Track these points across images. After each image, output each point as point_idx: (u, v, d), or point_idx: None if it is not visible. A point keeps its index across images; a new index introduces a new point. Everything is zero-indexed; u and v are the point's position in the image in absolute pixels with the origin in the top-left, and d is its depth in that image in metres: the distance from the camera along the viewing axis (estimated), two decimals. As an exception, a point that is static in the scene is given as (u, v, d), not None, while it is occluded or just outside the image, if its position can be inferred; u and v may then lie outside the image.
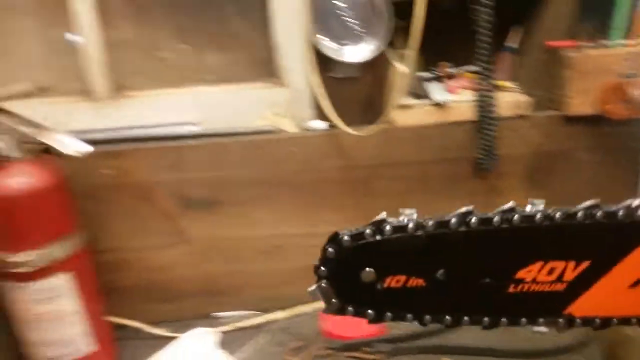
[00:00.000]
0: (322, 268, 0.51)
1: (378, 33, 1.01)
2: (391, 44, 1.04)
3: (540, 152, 1.07)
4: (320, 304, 0.76)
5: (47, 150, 0.88)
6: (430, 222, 0.50)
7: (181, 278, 1.09)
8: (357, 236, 0.50)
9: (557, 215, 0.49)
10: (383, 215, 0.51)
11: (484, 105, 1.03)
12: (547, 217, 0.49)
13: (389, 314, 0.52)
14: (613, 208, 0.49)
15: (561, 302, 0.52)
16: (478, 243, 0.50)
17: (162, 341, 1.00)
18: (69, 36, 1.04)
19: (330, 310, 0.53)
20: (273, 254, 1.09)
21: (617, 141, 1.08)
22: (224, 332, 1.04)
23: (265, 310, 1.09)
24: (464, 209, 0.51)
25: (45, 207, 0.86)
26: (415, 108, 1.04)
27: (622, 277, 0.50)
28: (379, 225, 0.50)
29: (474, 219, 0.49)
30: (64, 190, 0.90)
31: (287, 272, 1.09)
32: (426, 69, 1.12)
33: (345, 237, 0.49)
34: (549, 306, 0.52)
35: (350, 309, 0.51)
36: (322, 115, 1.04)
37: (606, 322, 0.52)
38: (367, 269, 0.50)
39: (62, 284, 0.89)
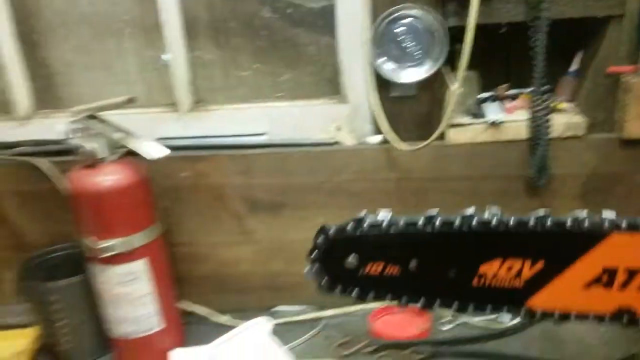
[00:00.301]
0: (314, 254, 0.59)
1: (434, 56, 1.06)
2: (450, 65, 1.09)
3: (595, 173, 1.08)
4: (368, 304, 0.84)
5: (134, 153, 1.02)
6: (401, 222, 0.57)
7: (247, 273, 1.20)
8: (341, 230, 0.58)
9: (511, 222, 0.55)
10: (362, 213, 0.59)
11: (538, 125, 1.05)
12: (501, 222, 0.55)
13: (371, 294, 0.59)
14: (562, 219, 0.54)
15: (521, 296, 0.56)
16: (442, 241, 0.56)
17: (225, 328, 1.10)
18: (163, 57, 1.20)
19: (322, 289, 0.61)
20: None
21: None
22: (280, 325, 1.13)
23: (320, 308, 1.18)
24: (428, 212, 0.58)
25: (129, 202, 0.99)
26: (470, 126, 1.09)
27: (576, 278, 0.54)
28: (359, 222, 0.58)
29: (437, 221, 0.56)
30: (146, 189, 1.03)
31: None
32: (486, 90, 1.15)
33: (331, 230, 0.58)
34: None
35: (338, 288, 0.59)
36: (379, 131, 1.11)
37: (565, 317, 0.56)
38: (351, 256, 0.58)
39: (139, 268, 1.02)
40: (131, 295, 1.02)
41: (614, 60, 1.04)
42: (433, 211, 0.58)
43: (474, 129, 1.09)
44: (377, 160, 1.11)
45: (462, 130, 1.09)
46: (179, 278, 1.15)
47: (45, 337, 1.12)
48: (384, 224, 0.58)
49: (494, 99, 1.14)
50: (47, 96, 1.26)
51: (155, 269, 1.04)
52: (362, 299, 0.62)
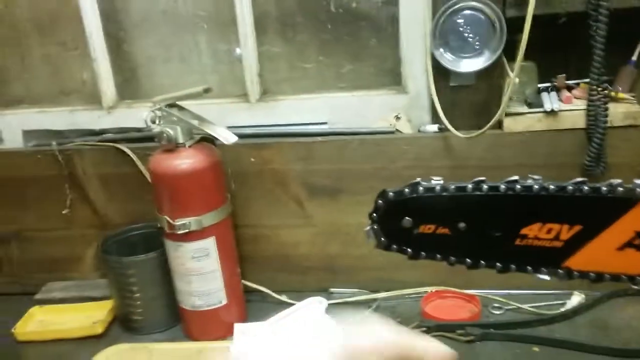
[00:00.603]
0: (374, 214, 0.65)
1: (493, 46, 1.09)
2: (509, 55, 1.11)
3: (652, 162, 1.07)
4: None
5: (208, 139, 1.11)
6: (452, 186, 0.62)
7: (306, 255, 1.26)
8: (399, 193, 0.63)
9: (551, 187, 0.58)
10: (418, 179, 0.64)
11: (596, 114, 1.06)
12: (543, 188, 0.58)
13: (423, 253, 0.64)
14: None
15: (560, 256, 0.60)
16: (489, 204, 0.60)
17: (283, 306, 1.17)
18: (237, 50, 1.29)
19: (380, 246, 0.67)
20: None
21: None
22: (334, 305, 1.19)
23: (375, 291, 1.23)
24: (476, 179, 0.62)
25: (203, 184, 1.07)
26: (526, 115, 1.11)
27: (610, 240, 0.57)
28: (414, 186, 0.63)
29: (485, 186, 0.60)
30: (218, 172, 1.10)
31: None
32: (544, 80, 1.17)
33: (390, 193, 0.63)
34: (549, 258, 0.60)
35: (394, 246, 0.65)
36: (437, 120, 1.15)
37: (600, 277, 0.59)
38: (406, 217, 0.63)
39: (208, 246, 1.10)
40: (201, 270, 1.10)
41: (676, 49, 1.03)
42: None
43: (530, 118, 1.11)
44: (433, 148, 1.15)
45: (519, 119, 1.11)
46: (242, 257, 1.23)
47: (120, 308, 1.22)
48: (437, 189, 0.63)
49: (552, 89, 1.15)
50: (130, 87, 1.38)
51: (223, 247, 1.11)
52: (414, 258, 0.68)
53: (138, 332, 1.20)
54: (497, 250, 0.62)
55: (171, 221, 1.07)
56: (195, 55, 1.33)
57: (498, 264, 0.63)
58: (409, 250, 0.66)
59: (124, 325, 1.22)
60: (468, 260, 0.63)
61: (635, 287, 0.60)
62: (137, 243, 1.25)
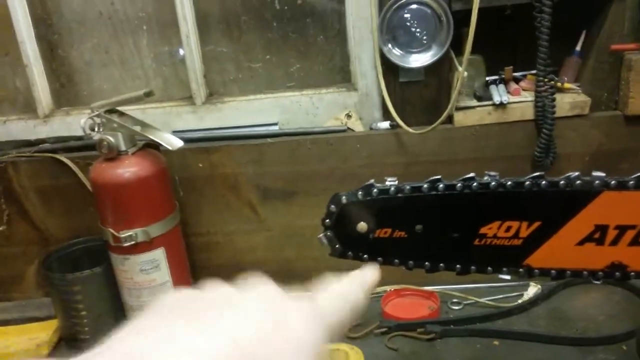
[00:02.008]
0: (327, 220, 0.62)
1: (440, 40, 1.09)
2: (457, 50, 1.11)
3: (600, 151, 1.09)
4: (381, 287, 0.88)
5: (152, 145, 1.06)
6: (407, 187, 0.60)
7: (261, 260, 1.22)
8: (352, 196, 0.61)
9: (508, 183, 0.57)
10: (371, 180, 0.62)
11: (543, 105, 1.07)
12: (500, 184, 0.57)
13: (380, 259, 0.62)
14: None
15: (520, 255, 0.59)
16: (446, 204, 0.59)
17: (242, 314, 1.14)
18: (180, 52, 1.24)
19: (334, 254, 0.65)
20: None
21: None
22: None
23: (334, 293, 1.20)
24: (432, 178, 0.61)
25: (149, 193, 1.02)
26: (476, 109, 1.11)
27: (570, 235, 0.56)
28: (368, 189, 0.61)
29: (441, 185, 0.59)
30: (164, 179, 1.06)
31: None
32: (492, 73, 1.17)
33: (343, 197, 0.61)
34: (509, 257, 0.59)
35: (350, 253, 0.62)
36: (388, 116, 1.14)
37: (561, 274, 0.58)
38: (361, 222, 0.61)
39: (158, 257, 1.05)
40: (152, 283, 1.06)
41: (617, 38, 1.05)
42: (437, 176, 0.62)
43: (480, 112, 1.11)
44: (386, 145, 1.13)
45: (469, 113, 1.11)
46: (195, 267, 1.19)
47: (66, 328, 1.15)
48: (391, 190, 0.61)
49: (500, 81, 1.16)
50: (67, 94, 1.31)
51: (173, 258, 1.07)
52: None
53: (86, 352, 1.14)
54: (456, 251, 0.61)
55: (116, 233, 1.02)
56: (137, 58, 1.27)
57: (457, 266, 0.62)
58: (365, 256, 0.63)
59: (71, 346, 1.15)
60: (427, 263, 0.61)
61: (597, 282, 0.60)
62: (81, 258, 1.18)
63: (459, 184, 0.60)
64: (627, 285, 1.11)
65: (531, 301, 1.10)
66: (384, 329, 1.06)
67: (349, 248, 0.62)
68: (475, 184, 0.59)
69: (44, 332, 1.17)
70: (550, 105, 1.06)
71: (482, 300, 1.13)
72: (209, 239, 1.22)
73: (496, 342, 1.02)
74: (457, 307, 1.13)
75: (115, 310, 1.12)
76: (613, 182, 0.55)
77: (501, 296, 1.13)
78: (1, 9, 1.20)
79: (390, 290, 1.17)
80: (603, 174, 0.57)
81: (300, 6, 1.21)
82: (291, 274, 1.23)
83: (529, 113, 1.09)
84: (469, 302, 1.14)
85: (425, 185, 0.61)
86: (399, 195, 0.60)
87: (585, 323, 1.05)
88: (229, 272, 1.23)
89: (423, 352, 1.02)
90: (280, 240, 1.21)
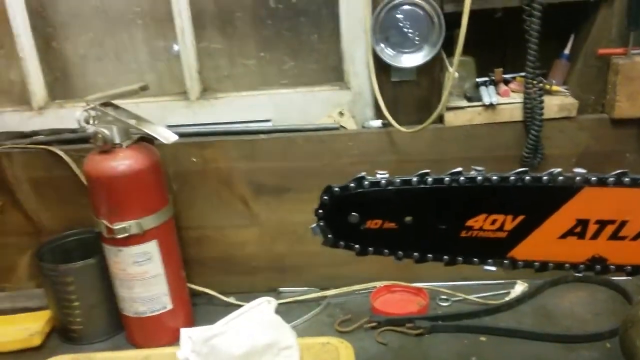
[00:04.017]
0: (320, 211, 0.64)
1: (432, 41, 1.10)
2: (449, 51, 1.13)
3: (586, 152, 1.12)
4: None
5: (146, 139, 1.07)
6: (397, 180, 0.62)
7: (253, 255, 1.24)
8: (344, 188, 0.63)
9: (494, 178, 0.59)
10: (363, 173, 0.64)
11: (531, 107, 1.09)
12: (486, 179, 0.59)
13: (370, 249, 0.64)
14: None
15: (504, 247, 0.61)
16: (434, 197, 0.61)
17: (232, 308, 1.13)
18: (175, 47, 1.25)
19: (327, 243, 0.67)
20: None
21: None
22: (284, 304, 1.17)
23: (324, 288, 1.22)
24: (421, 172, 0.63)
25: (142, 185, 1.04)
26: (466, 109, 1.13)
27: (553, 229, 0.59)
28: (359, 181, 0.63)
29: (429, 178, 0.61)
30: (158, 173, 1.07)
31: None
32: (483, 74, 1.19)
33: (336, 189, 0.63)
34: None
35: (341, 243, 0.64)
36: (380, 115, 1.16)
37: (544, 266, 0.60)
38: (353, 213, 0.63)
39: (150, 250, 1.06)
40: (144, 275, 1.07)
41: (605, 42, 1.08)
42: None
43: (470, 112, 1.13)
44: (378, 143, 1.15)
45: (459, 113, 1.13)
46: (187, 260, 1.19)
47: (59, 319, 1.17)
48: (382, 183, 0.63)
49: (490, 82, 1.18)
50: (61, 87, 1.31)
51: (166, 251, 1.08)
52: (362, 254, 0.67)
53: (78, 342, 1.15)
54: (443, 243, 0.63)
55: (110, 225, 1.03)
56: (131, 53, 1.28)
57: (445, 257, 0.63)
58: (356, 246, 0.65)
59: (63, 336, 1.17)
60: (415, 254, 0.63)
61: (578, 274, 0.62)
62: (74, 250, 1.20)
63: (447, 178, 0.62)
64: (612, 285, 1.14)
65: (518, 299, 1.13)
66: (373, 324, 1.08)
67: (341, 238, 0.64)
68: (462, 178, 0.61)
69: (36, 322, 1.18)
70: (539, 107, 1.09)
71: (470, 297, 1.15)
72: (201, 233, 1.23)
73: (483, 338, 1.04)
74: (445, 304, 1.15)
75: (108, 302, 1.13)
76: (594, 178, 0.58)
77: (488, 293, 1.16)
78: (-2, 3, 1.21)
79: (380, 286, 1.19)
80: (584, 171, 0.59)
81: (294, 4, 1.23)
82: (282, 269, 1.25)
83: (517, 114, 1.11)
84: (457, 299, 1.16)
85: (415, 179, 0.62)
86: (390, 187, 0.62)
87: (571, 321, 1.07)
88: (221, 265, 1.26)
89: (411, 346, 1.04)
90: (272, 235, 1.23)
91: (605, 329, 1.01)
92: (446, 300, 1.16)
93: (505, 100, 1.13)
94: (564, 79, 1.16)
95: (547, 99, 1.10)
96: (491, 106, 1.12)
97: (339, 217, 0.64)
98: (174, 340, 1.08)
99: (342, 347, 1.00)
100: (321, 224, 0.66)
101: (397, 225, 0.62)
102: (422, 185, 0.63)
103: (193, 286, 1.21)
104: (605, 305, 1.11)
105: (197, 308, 1.21)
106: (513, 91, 1.15)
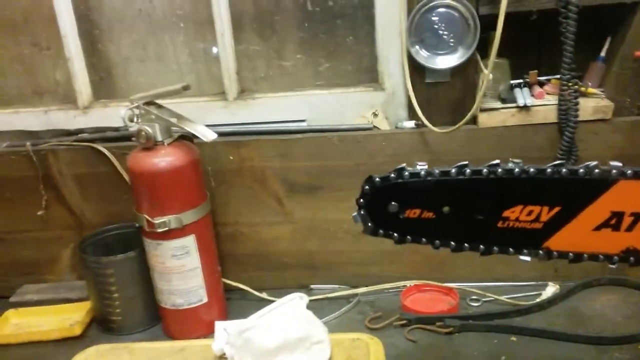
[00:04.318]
0: (361, 200, 0.66)
1: (467, 43, 1.12)
2: (483, 53, 1.14)
3: (621, 155, 1.11)
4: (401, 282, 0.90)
5: (186, 137, 1.10)
6: (437, 171, 0.64)
7: (285, 252, 1.27)
8: (385, 178, 0.65)
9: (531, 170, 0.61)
10: (403, 164, 0.66)
11: (566, 109, 1.09)
12: (523, 171, 0.61)
13: (409, 237, 0.66)
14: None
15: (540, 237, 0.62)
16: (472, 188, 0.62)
17: (264, 303, 1.17)
18: (214, 49, 1.29)
19: (367, 231, 0.69)
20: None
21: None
22: (316, 301, 1.20)
23: (355, 286, 1.24)
24: (459, 163, 0.65)
25: (182, 182, 1.07)
26: (500, 110, 1.14)
27: (588, 221, 0.59)
28: (400, 171, 0.65)
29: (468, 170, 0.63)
30: (197, 170, 1.10)
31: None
32: (517, 76, 1.20)
33: (377, 179, 0.65)
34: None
35: (381, 231, 0.66)
36: (414, 116, 1.17)
37: (578, 257, 0.61)
38: (392, 202, 0.65)
39: (188, 244, 1.09)
40: (182, 269, 1.10)
41: (641, 45, 1.07)
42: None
43: (504, 113, 1.14)
44: (411, 143, 1.17)
45: (493, 114, 1.14)
46: (222, 255, 1.23)
47: (99, 309, 1.21)
48: (422, 173, 0.65)
49: (524, 84, 1.18)
50: (105, 87, 1.37)
51: (203, 245, 1.12)
52: (400, 242, 0.69)
53: (117, 333, 1.19)
54: (480, 233, 0.64)
55: (150, 219, 1.06)
56: (172, 54, 1.33)
57: (481, 246, 0.65)
58: (395, 234, 0.67)
59: (103, 326, 1.21)
60: (452, 243, 0.65)
61: (613, 266, 0.63)
62: (114, 244, 1.24)
63: (485, 170, 0.63)
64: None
65: (549, 300, 1.12)
66: (403, 322, 1.09)
67: (380, 226, 0.66)
68: (500, 170, 0.63)
69: (77, 312, 1.22)
70: (574, 108, 1.09)
71: (501, 298, 1.15)
72: (236, 229, 1.26)
73: (514, 338, 1.05)
74: (475, 304, 1.16)
75: (146, 294, 1.17)
76: (630, 171, 0.58)
77: (519, 295, 1.16)
78: (46, 5, 1.26)
79: (410, 285, 1.21)
80: (620, 164, 0.60)
81: (331, 7, 1.26)
82: (314, 266, 1.27)
83: (552, 116, 1.12)
84: (487, 299, 1.16)
85: (453, 170, 0.64)
86: (429, 178, 0.64)
87: (602, 323, 1.07)
88: (254, 261, 1.29)
89: (441, 345, 1.05)
90: (304, 233, 1.25)
91: (637, 332, 1.00)
92: (476, 300, 1.17)
93: (540, 102, 1.13)
94: (599, 82, 1.16)
95: (582, 101, 1.10)
96: (525, 108, 1.12)
97: (379, 206, 0.67)
98: (209, 332, 1.12)
99: (372, 343, 1.02)
100: (362, 212, 0.68)
101: (435, 214, 0.64)
102: (461, 177, 0.64)
103: (227, 281, 1.24)
104: (636, 309, 1.10)
105: (230, 302, 1.24)
106: (548, 93, 1.15)
